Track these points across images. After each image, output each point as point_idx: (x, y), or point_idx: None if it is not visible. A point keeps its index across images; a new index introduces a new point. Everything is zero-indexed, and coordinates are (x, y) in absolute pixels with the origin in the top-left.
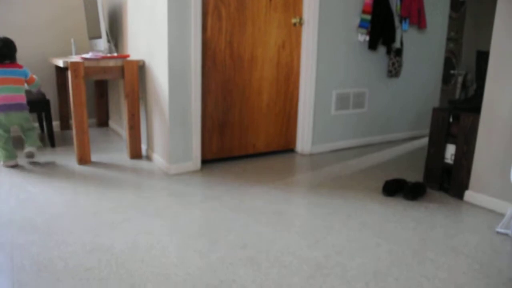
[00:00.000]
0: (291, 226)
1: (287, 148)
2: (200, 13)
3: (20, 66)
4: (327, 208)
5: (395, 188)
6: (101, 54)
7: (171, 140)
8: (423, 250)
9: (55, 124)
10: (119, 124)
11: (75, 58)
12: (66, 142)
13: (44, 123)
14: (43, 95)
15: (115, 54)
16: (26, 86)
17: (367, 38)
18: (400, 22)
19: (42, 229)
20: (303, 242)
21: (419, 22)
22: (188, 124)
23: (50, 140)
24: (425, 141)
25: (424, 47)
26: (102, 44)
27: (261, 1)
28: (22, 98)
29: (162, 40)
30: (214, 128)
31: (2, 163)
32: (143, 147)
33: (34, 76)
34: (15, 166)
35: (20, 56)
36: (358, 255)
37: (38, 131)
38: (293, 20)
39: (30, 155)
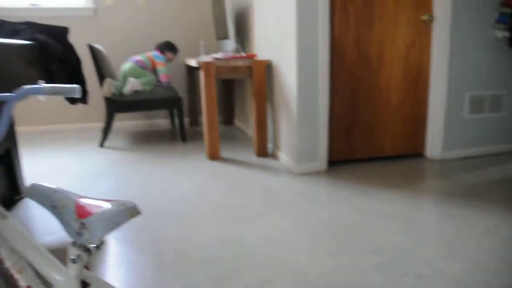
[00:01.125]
0: (424, 234)
1: (415, 153)
2: (328, 11)
3: (161, 54)
4: (462, 219)
5: None
6: (230, 54)
7: (298, 140)
8: None
9: (185, 120)
10: (245, 123)
11: (206, 58)
12: (195, 138)
13: (176, 119)
14: (175, 92)
15: (243, 54)
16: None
17: (507, 34)
18: None
19: (178, 218)
20: (438, 253)
21: None
22: (315, 124)
23: (181, 135)
24: None
25: None
26: (230, 44)
27: None
28: (139, 61)
29: (290, 39)
30: (341, 129)
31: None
32: (269, 145)
33: (162, 64)
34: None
35: None
36: (503, 274)
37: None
38: (423, 17)
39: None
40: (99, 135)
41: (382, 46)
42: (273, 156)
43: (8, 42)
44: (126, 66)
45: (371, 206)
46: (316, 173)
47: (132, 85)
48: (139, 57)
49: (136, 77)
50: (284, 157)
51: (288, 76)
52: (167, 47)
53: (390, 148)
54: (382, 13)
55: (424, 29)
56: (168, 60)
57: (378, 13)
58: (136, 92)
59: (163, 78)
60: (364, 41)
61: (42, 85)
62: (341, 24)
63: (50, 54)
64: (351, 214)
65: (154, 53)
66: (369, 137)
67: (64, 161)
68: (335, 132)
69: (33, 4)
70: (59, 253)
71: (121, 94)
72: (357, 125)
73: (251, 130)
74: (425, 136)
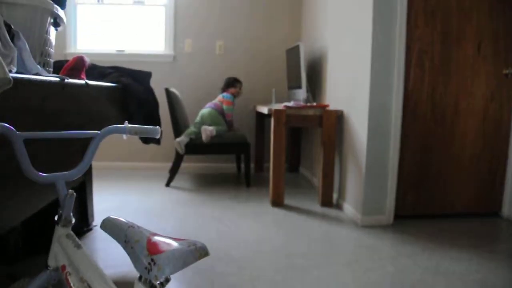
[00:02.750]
0: None
1: (490, 211)
2: (403, 64)
3: (230, 92)
4: None
5: None
6: (302, 103)
7: (365, 191)
8: None
9: (250, 166)
10: (310, 171)
11: (277, 106)
12: (260, 183)
13: (242, 164)
14: (244, 138)
15: (314, 104)
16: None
17: None
18: None
19: (237, 261)
20: None
21: None
22: (383, 176)
23: (246, 180)
24: None
25: None
26: (302, 93)
27: (468, 52)
28: (216, 105)
29: (363, 90)
30: (410, 183)
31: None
32: (334, 195)
33: (228, 103)
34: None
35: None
36: None
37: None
38: (505, 71)
39: (208, 133)
40: (166, 174)
41: (458, 99)
42: (338, 206)
43: (97, 84)
44: (205, 111)
45: (440, 266)
46: (382, 227)
47: (207, 132)
48: (216, 101)
49: (213, 123)
50: (349, 208)
51: (358, 126)
52: (228, 84)
53: (462, 205)
54: (459, 66)
55: (505, 83)
56: (235, 95)
57: (455, 66)
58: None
59: (228, 116)
60: (439, 95)
61: (127, 125)
62: (416, 77)
63: (130, 95)
64: (418, 272)
65: (222, 94)
66: (439, 193)
67: (131, 198)
68: (404, 186)
69: (119, 51)
70: (119, 287)
71: (196, 138)
72: (427, 180)
73: (316, 179)
74: (503, 194)
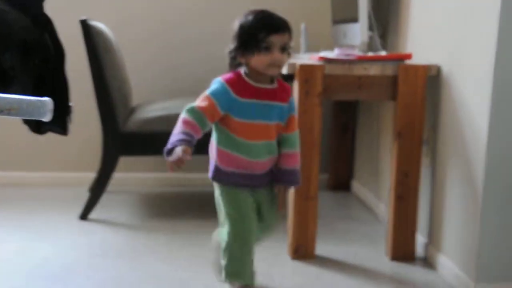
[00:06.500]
0: None
1: None
2: None
3: (287, 90)
4: None
5: None
6: (356, 53)
7: (484, 236)
8: None
9: None
10: (373, 190)
11: (307, 59)
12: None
13: None
14: None
15: (383, 53)
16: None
17: None
18: None
19: None
20: None
21: None
22: None
23: None
24: None
25: None
26: (359, 32)
27: None
28: (272, 162)
29: (483, 29)
30: None
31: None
32: (420, 239)
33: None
34: None
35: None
36: None
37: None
38: None
39: None
40: (84, 196)
41: None
42: (427, 261)
43: None
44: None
45: None
46: None
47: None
48: (265, 162)
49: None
50: (450, 265)
51: (471, 100)
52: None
53: None
54: None
55: None
56: None
57: None
58: (160, 117)
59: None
60: None
61: None
62: None
63: (3, 34)
64: None
65: (279, 107)
66: None
67: (12, 244)
68: None
69: None
70: None
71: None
72: None
73: (383, 206)
74: None
